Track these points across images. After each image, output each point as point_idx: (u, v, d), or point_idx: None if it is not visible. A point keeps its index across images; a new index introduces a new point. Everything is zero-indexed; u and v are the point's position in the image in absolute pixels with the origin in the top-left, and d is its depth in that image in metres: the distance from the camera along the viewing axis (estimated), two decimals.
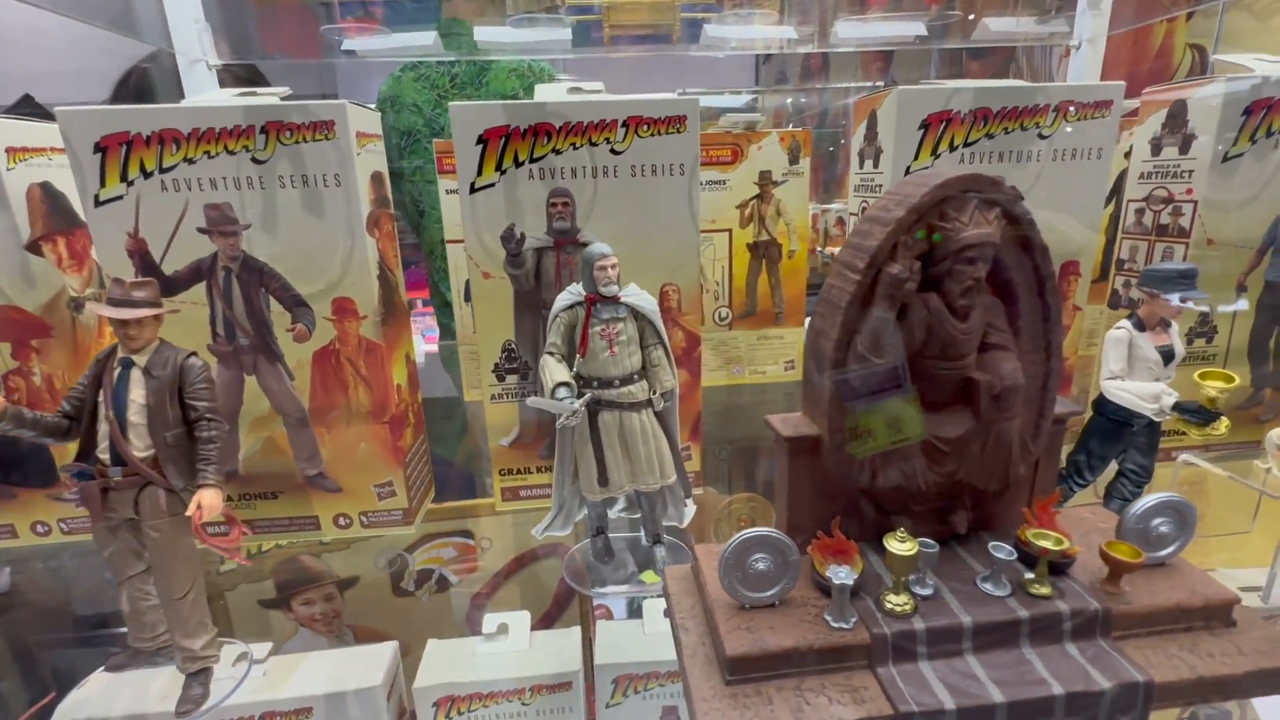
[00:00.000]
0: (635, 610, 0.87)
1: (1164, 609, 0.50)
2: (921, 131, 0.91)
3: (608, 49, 1.86)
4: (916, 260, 0.49)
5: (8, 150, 0.89)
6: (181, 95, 1.52)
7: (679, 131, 0.90)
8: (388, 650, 0.77)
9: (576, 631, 0.79)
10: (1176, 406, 0.68)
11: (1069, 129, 0.92)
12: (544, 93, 0.94)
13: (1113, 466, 0.83)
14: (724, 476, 1.30)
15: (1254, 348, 1.05)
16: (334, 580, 1.03)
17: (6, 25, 1.64)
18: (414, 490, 1.00)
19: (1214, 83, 0.94)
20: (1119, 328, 0.73)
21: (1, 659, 0.92)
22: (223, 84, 1.55)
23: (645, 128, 0.90)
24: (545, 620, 0.95)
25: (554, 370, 0.80)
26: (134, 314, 0.62)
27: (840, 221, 2.55)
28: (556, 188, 0.90)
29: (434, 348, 2.11)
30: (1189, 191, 0.98)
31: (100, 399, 0.64)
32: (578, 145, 0.89)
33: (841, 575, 0.47)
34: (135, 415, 0.63)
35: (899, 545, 0.48)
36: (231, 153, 0.81)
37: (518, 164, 0.89)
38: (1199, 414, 0.68)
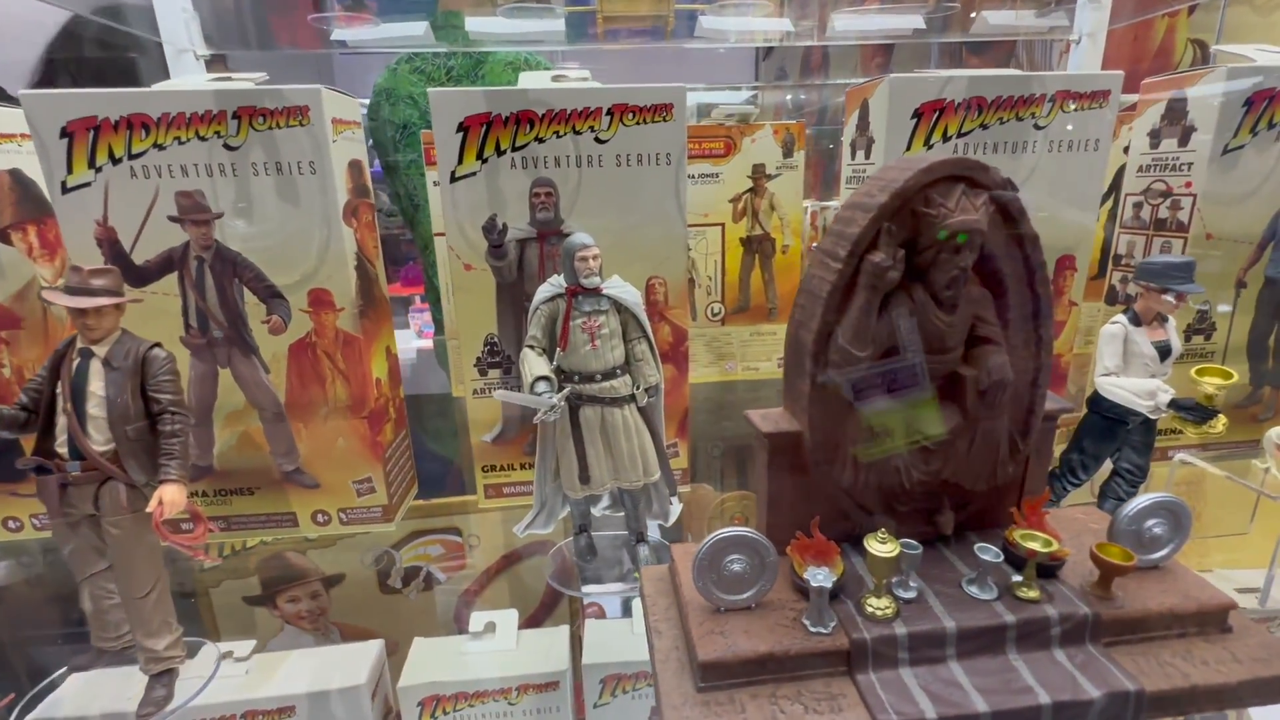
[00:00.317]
0: (629, 609, 0.85)
1: (1156, 614, 0.47)
2: (914, 121, 0.88)
3: (601, 41, 1.84)
4: (900, 248, 0.46)
5: None
6: (96, 71, 1.50)
7: (665, 120, 0.88)
8: (373, 649, 0.75)
9: (565, 630, 0.78)
10: (1173, 404, 0.66)
11: (1070, 127, 0.90)
12: (528, 80, 0.91)
13: (1109, 466, 0.81)
14: (716, 474, 1.29)
15: (1253, 345, 1.02)
16: (320, 577, 1.01)
17: None
18: (395, 487, 0.98)
19: (1214, 73, 0.92)
20: (1114, 323, 0.71)
21: None
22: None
23: (631, 116, 0.87)
24: (535, 618, 0.93)
25: (534, 364, 0.77)
26: (91, 303, 0.59)
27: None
28: (539, 177, 0.88)
29: (429, 343, 2.10)
30: (1188, 185, 0.96)
31: (58, 391, 0.61)
32: (561, 134, 0.87)
33: (819, 578, 0.45)
34: (94, 408, 0.61)
35: (880, 547, 0.46)
36: (203, 139, 0.79)
37: (500, 153, 0.87)
38: (1195, 411, 0.66)
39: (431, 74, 2.57)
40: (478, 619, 0.76)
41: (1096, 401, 0.74)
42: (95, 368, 0.62)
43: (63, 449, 0.61)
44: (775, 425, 0.52)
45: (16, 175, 0.90)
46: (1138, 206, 1.05)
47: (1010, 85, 0.88)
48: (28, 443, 0.62)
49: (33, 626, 0.96)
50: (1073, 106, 0.90)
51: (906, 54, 3.48)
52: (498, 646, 0.74)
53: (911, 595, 0.48)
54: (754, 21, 1.85)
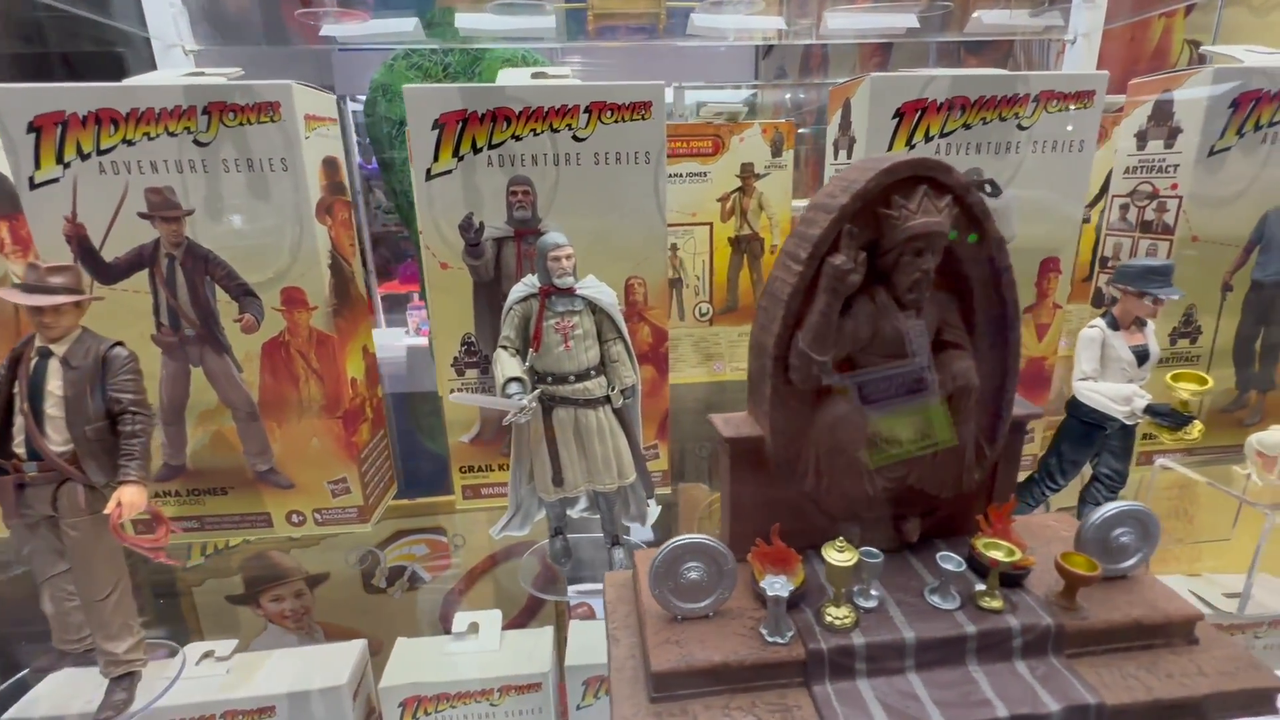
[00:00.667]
0: None
1: (1122, 625, 0.47)
2: (895, 121, 0.87)
3: (594, 38, 1.83)
4: (862, 251, 0.45)
5: None
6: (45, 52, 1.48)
7: (644, 118, 0.87)
8: (355, 648, 0.74)
9: (549, 631, 0.77)
10: (1148, 409, 0.65)
11: (1069, 127, 0.88)
12: (506, 77, 0.90)
13: (1091, 471, 0.80)
14: (706, 474, 1.28)
15: (1239, 349, 1.01)
16: (303, 576, 1.01)
17: None
18: (371, 487, 0.97)
19: (1201, 74, 0.91)
20: (1092, 326, 0.70)
21: None
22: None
23: (609, 114, 0.86)
24: (521, 619, 0.92)
25: (506, 365, 0.77)
26: (48, 301, 0.59)
27: None
28: (516, 175, 0.87)
29: (424, 341, 2.09)
30: (1174, 187, 0.95)
31: (15, 390, 0.60)
32: (538, 131, 0.86)
33: (776, 586, 0.44)
34: (52, 408, 0.60)
35: (837, 555, 0.45)
36: (173, 134, 0.78)
37: (476, 150, 0.86)
38: (1171, 417, 0.65)
39: (429, 70, 2.56)
40: (461, 619, 0.76)
41: (1075, 406, 0.73)
42: (54, 367, 0.61)
43: (20, 449, 0.61)
44: (737, 430, 0.51)
45: None
46: (1124, 208, 1.04)
47: (993, 85, 0.87)
48: None
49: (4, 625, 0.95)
50: (1057, 107, 0.89)
51: (904, 53, 3.47)
52: (481, 647, 0.73)
53: (872, 604, 0.48)
54: (746, 20, 1.84)
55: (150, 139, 0.78)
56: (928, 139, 0.88)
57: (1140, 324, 0.69)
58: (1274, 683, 0.44)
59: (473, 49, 2.51)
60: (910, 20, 1.94)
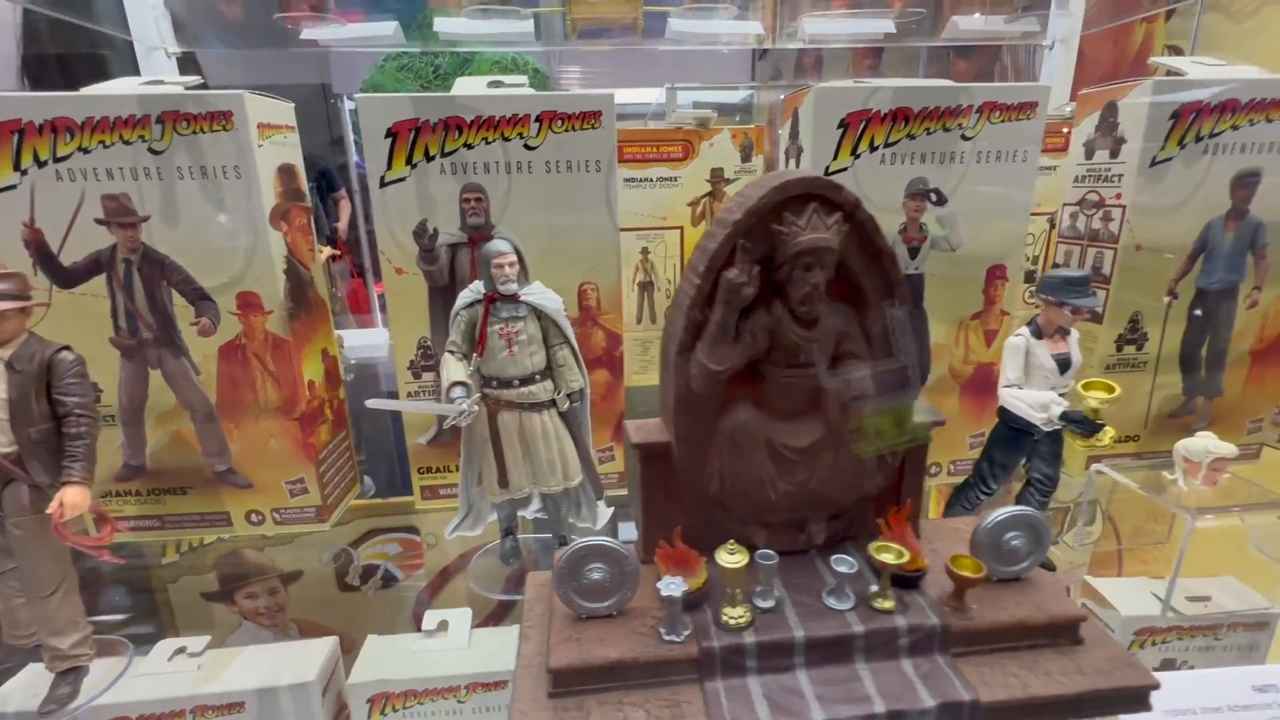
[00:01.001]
0: None
1: (1006, 626, 0.48)
2: (841, 131, 0.89)
3: (574, 42, 1.85)
4: (756, 265, 0.47)
5: None
6: (66, 60, 1.50)
7: (594, 127, 0.89)
8: (326, 646, 0.75)
9: (517, 630, 0.79)
10: (1063, 416, 0.67)
11: (998, 137, 0.90)
12: (461, 86, 0.92)
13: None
14: None
15: (1185, 355, 1.03)
16: (277, 574, 1.02)
17: None
18: (330, 488, 0.99)
19: (1142, 86, 0.92)
20: (1017, 335, 0.72)
21: None
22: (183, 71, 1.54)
23: (559, 123, 0.88)
24: (494, 617, 0.94)
25: (451, 369, 0.78)
26: None
27: None
28: (469, 183, 0.89)
29: None
30: (1118, 196, 0.97)
31: None
32: (490, 140, 0.88)
33: (670, 587, 0.46)
34: None
35: (728, 558, 0.47)
36: (128, 142, 0.80)
37: (429, 158, 0.87)
38: (1083, 424, 0.66)
39: (419, 71, 2.59)
40: (431, 617, 0.77)
41: (1003, 412, 0.75)
42: None
43: None
44: (646, 436, 0.53)
45: None
46: (1074, 216, 1.06)
47: (936, 97, 0.89)
48: None
49: None
50: (1000, 118, 0.91)
51: (895, 56, 3.49)
52: (450, 645, 0.75)
53: (770, 604, 0.49)
54: (723, 24, 1.85)
55: (106, 147, 0.80)
56: (873, 149, 0.90)
57: (1064, 333, 0.71)
58: (1149, 681, 0.46)
59: (463, 51, 2.54)
60: (888, 25, 1.95)
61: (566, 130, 0.89)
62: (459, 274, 0.93)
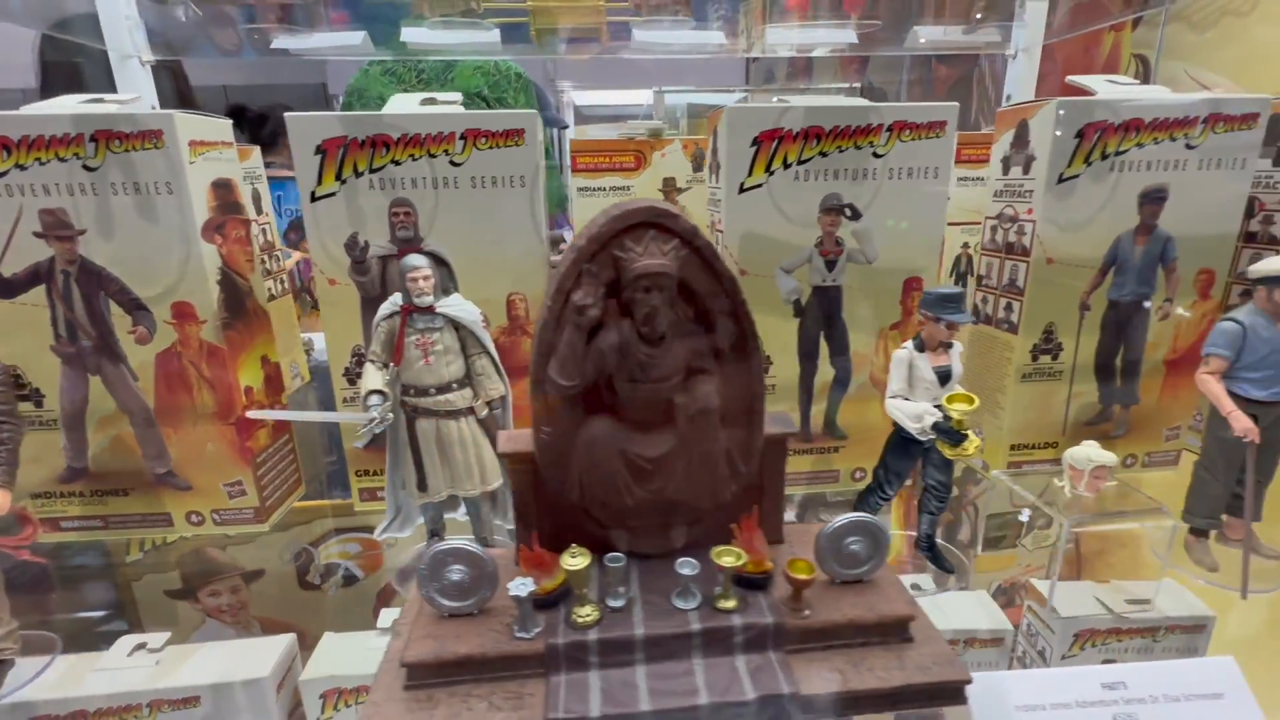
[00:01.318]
0: None
1: (838, 624, 0.52)
2: (754, 149, 0.93)
3: (540, 51, 1.88)
4: (603, 288, 0.51)
5: None
6: (78, 81, 1.54)
7: (518, 144, 0.92)
8: (283, 642, 0.78)
9: None
10: (934, 426, 0.70)
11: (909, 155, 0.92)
12: (395, 104, 0.96)
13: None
14: None
15: (1100, 365, 1.06)
16: (239, 573, 1.06)
17: None
18: (269, 490, 1.03)
19: (1049, 105, 0.96)
20: (902, 348, 0.75)
21: None
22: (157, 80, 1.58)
23: (484, 140, 0.92)
24: None
25: (369, 379, 0.82)
26: None
27: None
28: (397, 198, 0.93)
29: None
30: (1029, 211, 1.00)
31: None
32: (417, 156, 0.91)
33: (517, 587, 0.50)
34: None
35: (570, 560, 0.50)
36: (63, 160, 0.84)
37: (358, 174, 0.91)
38: (949, 434, 0.70)
39: (402, 76, 2.63)
40: (386, 615, 0.80)
41: (895, 421, 0.78)
42: None
43: None
44: (515, 445, 0.56)
45: None
46: (994, 230, 1.09)
47: (847, 116, 0.92)
48: None
49: None
50: (910, 136, 0.94)
51: (882, 62, 3.54)
52: None
53: (620, 604, 0.53)
54: (685, 34, 1.89)
55: (42, 164, 0.84)
56: (786, 166, 0.94)
57: (947, 346, 0.74)
58: (963, 676, 0.50)
59: (446, 58, 2.57)
60: (850, 36, 1.99)
61: (491, 147, 0.92)
62: (390, 285, 0.96)
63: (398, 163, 0.91)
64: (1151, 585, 0.80)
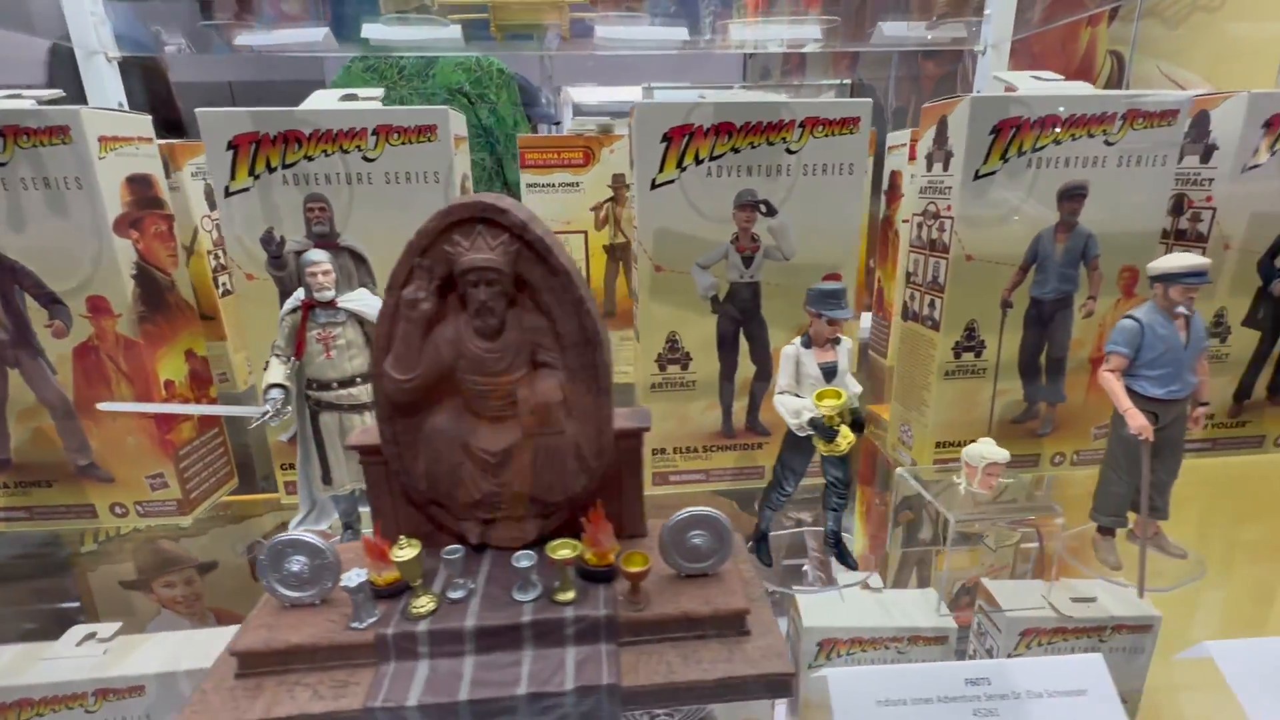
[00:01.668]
0: None
1: (672, 617, 0.52)
2: (664, 145, 0.93)
3: (500, 47, 1.89)
4: (436, 282, 0.51)
5: None
6: (80, 89, 1.55)
7: (430, 140, 0.93)
8: (231, 633, 0.78)
9: None
10: (810, 422, 0.71)
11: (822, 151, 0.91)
12: (314, 100, 0.97)
13: None
14: None
15: (1024, 362, 1.06)
16: (193, 564, 1.07)
17: None
18: (193, 482, 1.04)
19: (965, 101, 0.95)
20: (790, 344, 0.75)
21: None
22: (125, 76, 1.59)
23: (395, 136, 0.92)
24: None
25: (271, 372, 0.83)
26: None
27: None
28: (311, 193, 0.93)
29: None
30: (948, 208, 1.00)
31: None
32: (330, 152, 0.92)
33: (349, 579, 0.50)
34: None
35: (399, 552, 0.51)
36: None
37: (271, 169, 0.92)
38: (822, 430, 0.70)
39: (384, 72, 2.64)
40: None
41: None
42: None
43: None
44: (365, 438, 0.57)
45: None
46: (919, 226, 1.09)
47: (758, 112, 0.92)
48: None
49: None
50: (823, 132, 0.94)
51: (871, 58, 3.54)
52: None
53: (459, 595, 0.53)
54: (649, 31, 1.89)
55: None
56: (698, 161, 0.94)
57: (835, 342, 0.74)
58: (787, 669, 0.50)
59: (427, 54, 2.58)
60: (815, 32, 1.98)
61: (403, 144, 0.93)
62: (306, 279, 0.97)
63: (310, 158, 0.92)
64: (1096, 584, 0.80)
